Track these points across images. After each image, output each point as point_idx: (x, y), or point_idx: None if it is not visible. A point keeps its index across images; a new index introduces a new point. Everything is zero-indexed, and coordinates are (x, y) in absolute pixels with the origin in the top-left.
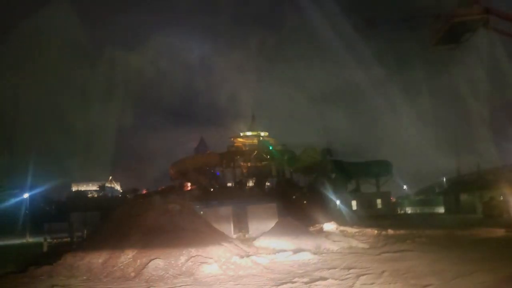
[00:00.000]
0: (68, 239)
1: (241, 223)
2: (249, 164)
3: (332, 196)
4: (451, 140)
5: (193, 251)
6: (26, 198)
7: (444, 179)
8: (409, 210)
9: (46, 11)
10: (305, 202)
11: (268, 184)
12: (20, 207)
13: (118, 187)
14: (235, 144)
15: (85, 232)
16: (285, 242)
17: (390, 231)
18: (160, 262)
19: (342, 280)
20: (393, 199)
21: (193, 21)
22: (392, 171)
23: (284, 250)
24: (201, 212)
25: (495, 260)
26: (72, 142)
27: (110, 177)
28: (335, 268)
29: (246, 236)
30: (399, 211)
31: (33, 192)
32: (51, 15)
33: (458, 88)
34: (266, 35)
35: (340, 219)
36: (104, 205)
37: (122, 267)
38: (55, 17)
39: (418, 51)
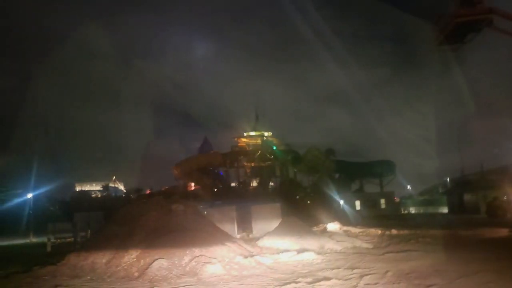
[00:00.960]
0: (72, 239)
1: (244, 223)
2: (252, 164)
3: (335, 196)
4: (455, 139)
5: (196, 251)
6: (29, 198)
7: (448, 179)
8: (412, 210)
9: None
10: (308, 202)
11: (272, 184)
12: (24, 207)
13: (121, 187)
14: (239, 144)
15: (89, 232)
16: (289, 242)
17: (394, 231)
18: (164, 262)
19: (346, 280)
20: (397, 199)
21: (195, 21)
22: (395, 171)
23: (288, 250)
24: (205, 212)
25: (499, 260)
26: (76, 142)
27: (114, 177)
28: (338, 268)
29: (250, 236)
30: (402, 211)
31: (37, 192)
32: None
33: (461, 88)
34: (270, 35)
35: (343, 219)
36: (107, 205)
37: (125, 267)
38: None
39: (422, 51)
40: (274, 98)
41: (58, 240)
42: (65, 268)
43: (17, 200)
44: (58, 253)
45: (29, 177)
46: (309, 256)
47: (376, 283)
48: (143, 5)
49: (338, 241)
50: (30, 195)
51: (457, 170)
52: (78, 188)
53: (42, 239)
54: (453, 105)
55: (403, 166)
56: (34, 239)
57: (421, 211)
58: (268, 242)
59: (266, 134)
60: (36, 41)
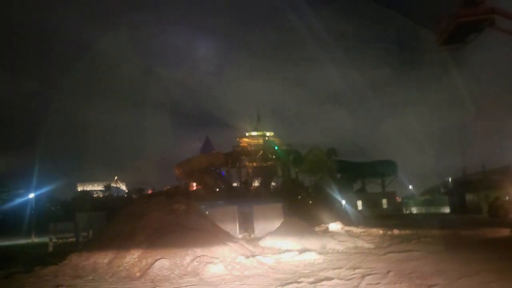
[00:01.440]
0: (74, 239)
1: (246, 223)
2: (254, 164)
3: (337, 196)
4: (457, 139)
5: (198, 251)
6: (31, 198)
7: (450, 179)
8: (414, 210)
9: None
10: (310, 202)
11: (274, 184)
12: (26, 207)
13: (123, 187)
14: (241, 144)
15: (91, 232)
16: (291, 242)
17: (396, 231)
18: (166, 262)
19: (348, 280)
20: (399, 199)
21: (197, 22)
22: (397, 171)
23: (290, 250)
24: (207, 212)
25: (501, 260)
26: (78, 143)
27: (116, 177)
28: (340, 268)
29: (252, 236)
30: (404, 211)
31: (39, 192)
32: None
33: (463, 88)
34: (272, 36)
35: (345, 219)
36: (109, 205)
37: (127, 267)
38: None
39: (423, 51)
40: (276, 98)
41: (60, 240)
42: (67, 268)
43: (19, 200)
44: (60, 253)
45: (31, 177)
46: (311, 256)
47: (378, 283)
48: (143, 6)
49: (340, 241)
50: (32, 195)
51: (459, 170)
52: (80, 188)
53: (44, 239)
54: (454, 105)
55: (405, 166)
56: (36, 239)
57: (423, 211)
58: (270, 242)
59: (268, 134)
60: (36, 41)
